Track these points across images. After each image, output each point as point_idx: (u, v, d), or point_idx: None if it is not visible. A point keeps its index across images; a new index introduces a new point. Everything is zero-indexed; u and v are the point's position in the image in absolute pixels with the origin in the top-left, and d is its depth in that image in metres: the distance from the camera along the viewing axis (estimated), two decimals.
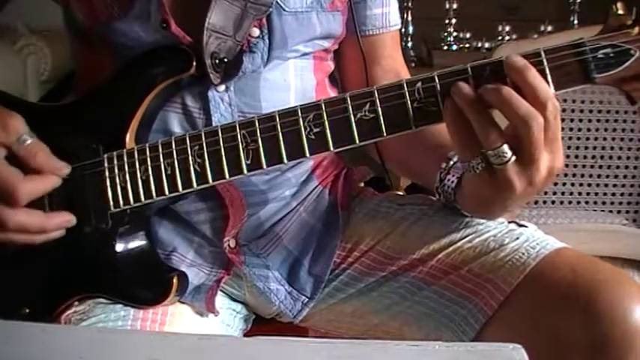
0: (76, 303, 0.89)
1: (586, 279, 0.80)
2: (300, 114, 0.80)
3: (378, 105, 0.78)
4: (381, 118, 0.78)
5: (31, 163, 0.81)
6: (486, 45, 2.74)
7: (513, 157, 0.74)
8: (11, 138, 0.80)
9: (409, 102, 0.77)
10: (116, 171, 0.86)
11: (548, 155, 0.74)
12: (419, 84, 0.77)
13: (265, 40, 0.91)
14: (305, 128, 0.80)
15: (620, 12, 0.76)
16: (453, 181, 0.86)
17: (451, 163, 0.87)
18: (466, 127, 0.74)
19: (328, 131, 0.79)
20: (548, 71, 0.74)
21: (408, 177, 1.22)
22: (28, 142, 0.81)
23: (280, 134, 0.80)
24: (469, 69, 0.76)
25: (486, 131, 0.73)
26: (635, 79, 0.75)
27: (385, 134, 0.78)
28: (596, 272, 0.81)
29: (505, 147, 0.73)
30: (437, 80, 0.77)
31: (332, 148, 0.80)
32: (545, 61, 0.75)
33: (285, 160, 0.81)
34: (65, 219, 0.85)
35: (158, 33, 0.88)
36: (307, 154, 0.80)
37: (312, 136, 0.80)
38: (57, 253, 0.87)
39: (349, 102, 0.79)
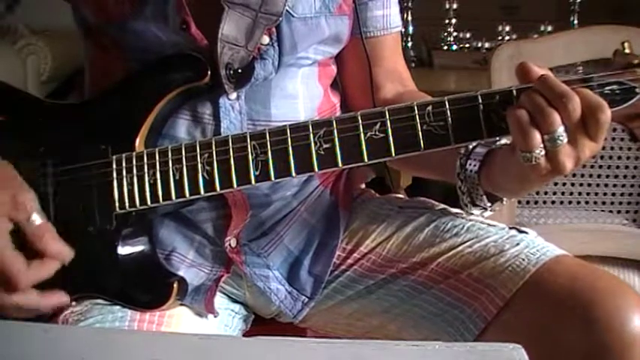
0: (74, 303, 0.89)
1: (585, 287, 0.80)
2: (311, 129, 0.81)
3: (389, 125, 0.80)
4: (391, 138, 0.80)
5: (37, 245, 0.81)
6: (486, 45, 2.73)
7: (566, 139, 0.74)
8: (21, 216, 0.80)
9: (419, 124, 0.79)
10: (124, 173, 0.86)
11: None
12: (429, 107, 0.79)
13: (275, 46, 0.91)
14: (315, 143, 0.81)
15: (627, 51, 0.79)
16: (475, 165, 0.86)
17: (470, 147, 0.86)
18: (526, 117, 0.75)
19: (338, 148, 0.81)
20: None
21: (415, 171, 1.21)
22: (37, 223, 0.81)
23: (290, 148, 0.82)
24: (479, 96, 0.78)
25: (547, 114, 0.73)
26: (638, 117, 0.77)
27: (394, 154, 0.80)
28: (596, 280, 0.81)
29: (561, 129, 0.74)
30: (447, 105, 0.79)
31: (340, 165, 0.81)
32: None
33: (294, 174, 0.82)
34: (60, 300, 0.84)
35: (176, 34, 0.88)
36: (316, 169, 0.82)
37: (322, 152, 0.81)
38: None
39: (360, 120, 0.80)
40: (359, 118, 0.80)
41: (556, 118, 0.73)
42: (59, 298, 0.84)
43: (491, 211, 0.89)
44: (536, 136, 0.74)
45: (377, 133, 0.80)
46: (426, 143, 0.79)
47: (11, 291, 0.80)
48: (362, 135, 0.80)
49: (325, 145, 0.81)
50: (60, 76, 3.03)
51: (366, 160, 0.81)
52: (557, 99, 0.73)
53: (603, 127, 0.74)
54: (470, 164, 0.86)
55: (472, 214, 0.90)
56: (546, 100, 0.74)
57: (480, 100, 0.78)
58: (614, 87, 0.76)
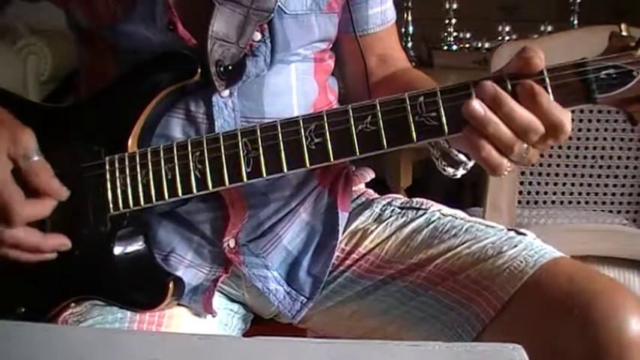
0: (73, 304, 0.89)
1: (583, 289, 0.80)
2: (301, 124, 0.81)
3: (380, 118, 0.79)
4: (382, 130, 0.79)
5: (32, 182, 0.81)
6: (486, 45, 2.73)
7: (530, 149, 0.76)
8: (19, 152, 0.80)
9: (411, 115, 0.78)
10: (117, 174, 0.86)
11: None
12: (421, 98, 0.78)
13: (267, 43, 0.91)
14: (306, 138, 0.81)
15: (624, 33, 0.77)
16: None
17: None
18: (497, 156, 0.76)
19: (329, 142, 0.80)
20: (550, 89, 0.75)
21: None
22: (34, 159, 0.81)
23: (281, 143, 0.81)
24: (471, 85, 0.77)
25: (512, 145, 0.75)
26: (637, 101, 0.75)
27: (386, 147, 0.79)
28: (593, 282, 0.81)
29: (525, 147, 0.75)
30: (439, 95, 0.78)
31: (332, 159, 0.80)
32: (547, 79, 0.75)
33: (285, 170, 0.81)
34: (61, 242, 0.85)
35: (164, 35, 0.88)
36: (307, 165, 0.81)
37: (313, 147, 0.80)
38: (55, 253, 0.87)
39: (351, 114, 0.80)
40: (350, 111, 0.80)
41: (522, 146, 0.75)
42: (61, 240, 0.84)
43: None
44: (505, 162, 0.76)
45: (368, 126, 0.79)
46: (418, 135, 0.78)
47: (8, 225, 0.80)
48: (353, 128, 0.79)
49: (316, 140, 0.80)
50: (60, 76, 3.03)
51: (357, 154, 0.80)
52: (523, 134, 0.74)
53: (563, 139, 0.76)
54: None
55: (456, 175, 0.90)
56: (512, 130, 0.74)
57: (472, 88, 0.77)
58: (611, 71, 0.74)
